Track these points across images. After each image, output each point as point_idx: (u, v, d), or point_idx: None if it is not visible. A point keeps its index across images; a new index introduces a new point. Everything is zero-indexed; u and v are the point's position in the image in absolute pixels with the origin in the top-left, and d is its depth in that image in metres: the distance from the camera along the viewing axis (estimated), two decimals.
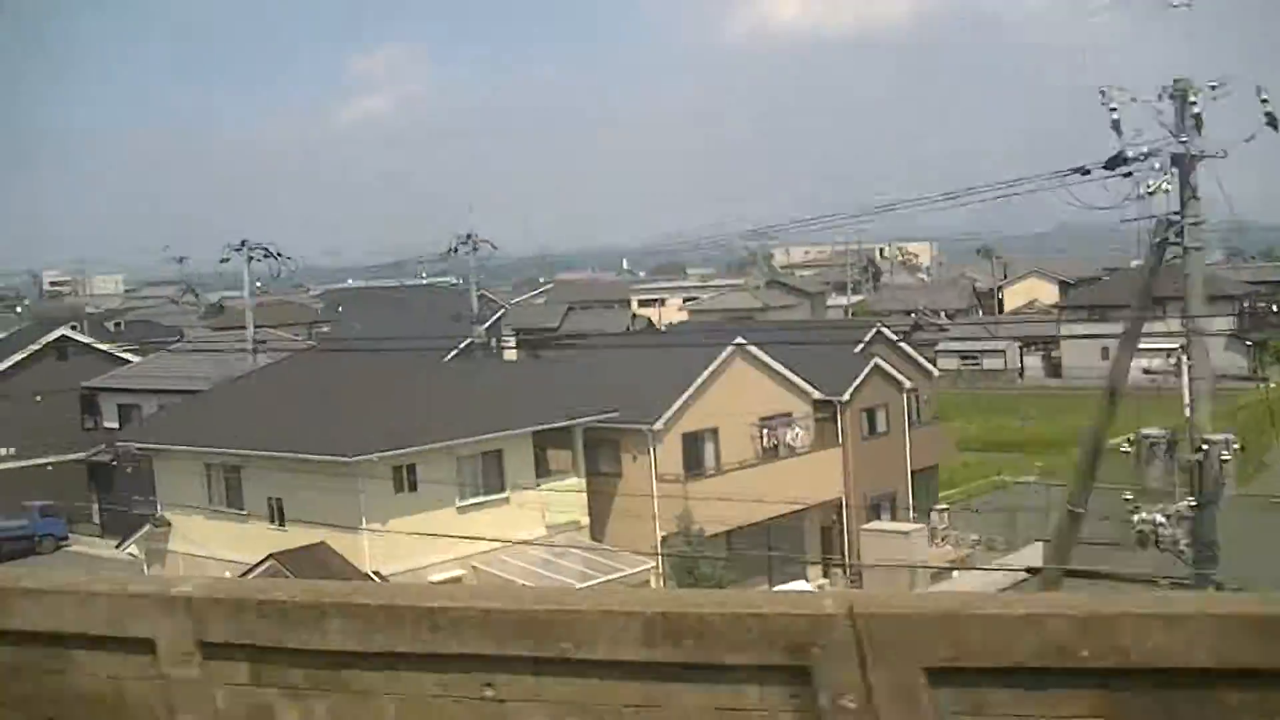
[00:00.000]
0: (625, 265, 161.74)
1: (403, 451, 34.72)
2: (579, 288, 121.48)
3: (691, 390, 40.85)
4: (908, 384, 48.42)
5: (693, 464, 41.25)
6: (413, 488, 35.58)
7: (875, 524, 45.39)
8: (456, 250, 56.00)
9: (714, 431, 41.89)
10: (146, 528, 39.31)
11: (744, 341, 43.55)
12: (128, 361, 60.76)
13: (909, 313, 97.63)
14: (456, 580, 35.55)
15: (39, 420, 57.75)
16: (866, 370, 46.52)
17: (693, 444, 41.30)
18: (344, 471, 34.34)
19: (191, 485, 38.03)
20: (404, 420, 35.83)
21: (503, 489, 37.59)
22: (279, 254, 48.84)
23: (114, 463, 56.39)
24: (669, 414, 40.16)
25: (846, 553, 45.63)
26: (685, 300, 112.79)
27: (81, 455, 57.79)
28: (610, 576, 36.88)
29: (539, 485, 38.31)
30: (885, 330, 51.04)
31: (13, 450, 58.41)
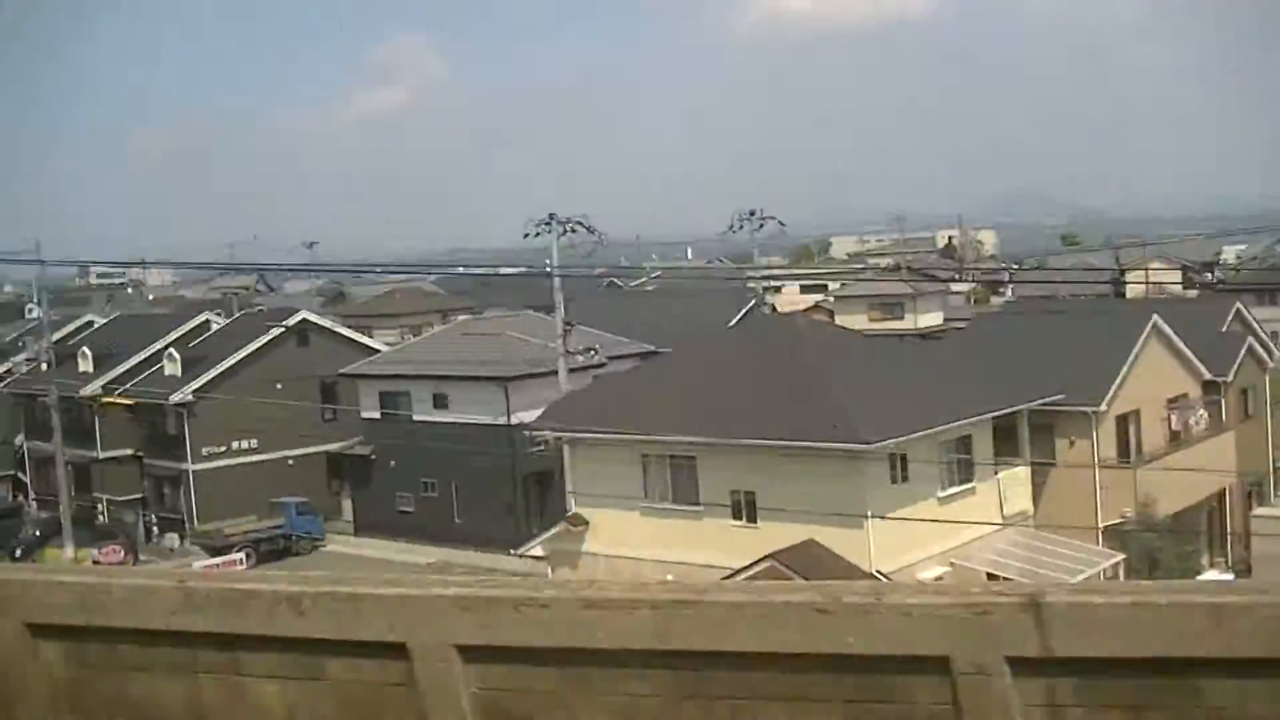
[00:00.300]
0: (689, 255, 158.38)
1: (910, 437, 31.41)
2: (688, 275, 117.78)
3: (1125, 369, 37.83)
4: (1271, 364, 45.69)
5: (1123, 448, 38.26)
6: (905, 477, 32.28)
7: (1265, 510, 42.51)
8: (742, 227, 52.49)
9: (1136, 414, 38.90)
10: (561, 527, 35.50)
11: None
12: (370, 348, 56.75)
13: (1047, 297, 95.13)
14: (939, 579, 32.51)
15: (277, 410, 53.70)
16: (1244, 349, 43.69)
17: (1123, 427, 38.31)
18: (846, 459, 31.03)
19: (622, 478, 34.31)
20: (880, 402, 32.51)
21: (971, 478, 34.37)
22: (591, 228, 45.17)
23: (372, 455, 52.62)
24: (1110, 394, 37.11)
25: (1231, 541, 42.83)
26: (803, 288, 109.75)
27: (333, 447, 53.70)
28: (1093, 570, 33.86)
29: (998, 473, 35.13)
30: (1243, 309, 48.14)
31: (254, 443, 54.29)
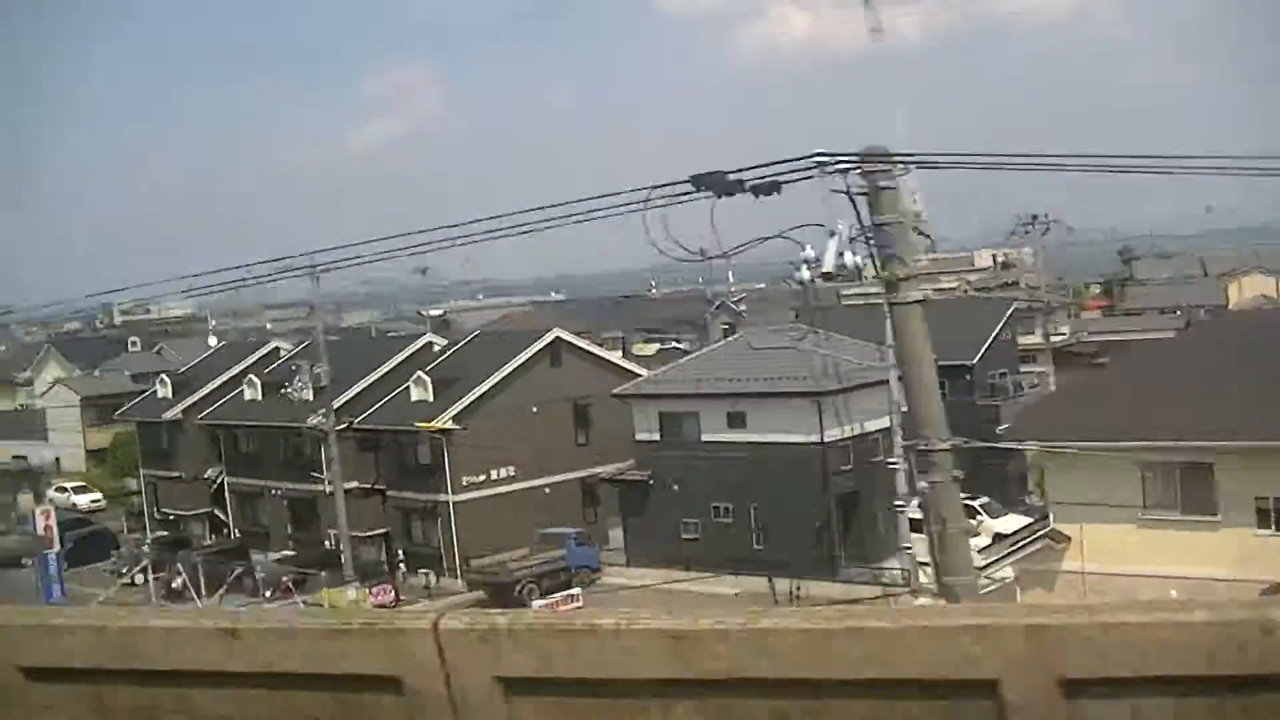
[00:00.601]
0: (731, 277, 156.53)
1: None
2: (767, 295, 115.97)
3: None
4: None
5: None
6: None
7: None
8: (1026, 232, 50.56)
9: None
10: (1041, 545, 33.06)
11: None
12: (625, 369, 53.85)
13: (1176, 309, 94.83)
14: None
15: (530, 435, 50.71)
16: None
17: None
18: None
19: (1112, 488, 31.97)
20: None
21: None
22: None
23: (650, 480, 49.78)
24: None
25: None
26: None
27: (605, 470, 50.68)
28: None
29: None
30: None
31: (513, 471, 51.11)
